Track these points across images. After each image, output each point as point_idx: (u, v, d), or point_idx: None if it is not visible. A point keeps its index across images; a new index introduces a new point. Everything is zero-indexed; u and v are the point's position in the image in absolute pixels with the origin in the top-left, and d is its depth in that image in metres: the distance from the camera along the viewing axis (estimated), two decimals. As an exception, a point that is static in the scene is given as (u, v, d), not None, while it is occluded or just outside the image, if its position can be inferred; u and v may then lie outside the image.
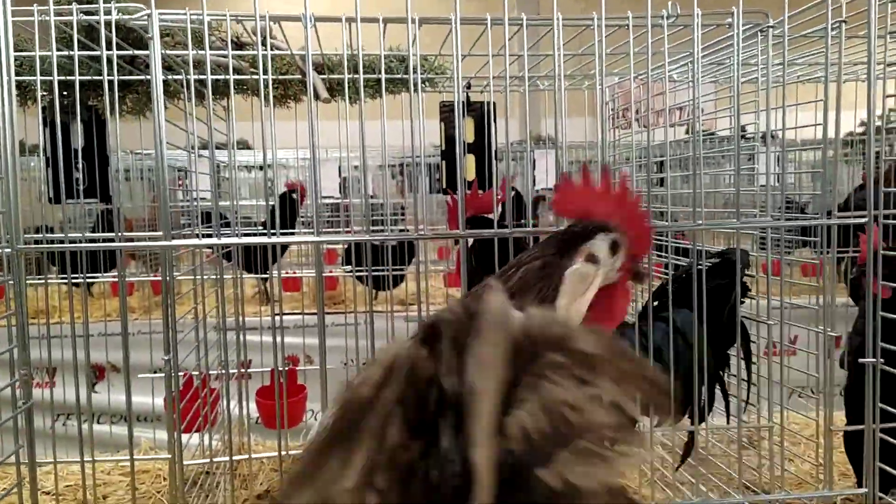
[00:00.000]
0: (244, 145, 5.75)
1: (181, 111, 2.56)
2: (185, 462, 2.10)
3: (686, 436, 2.59)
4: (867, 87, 2.12)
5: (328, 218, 5.97)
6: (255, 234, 4.56)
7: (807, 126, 2.36)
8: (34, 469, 2.01)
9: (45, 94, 2.31)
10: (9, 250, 1.97)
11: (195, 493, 2.60)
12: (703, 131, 2.70)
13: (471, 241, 2.68)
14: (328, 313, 3.05)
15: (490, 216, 2.75)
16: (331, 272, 5.83)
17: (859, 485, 2.13)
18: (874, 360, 1.99)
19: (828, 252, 2.23)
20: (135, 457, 2.11)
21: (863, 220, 2.10)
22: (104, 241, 5.25)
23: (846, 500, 2.74)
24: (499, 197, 2.70)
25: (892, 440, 2.03)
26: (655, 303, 2.36)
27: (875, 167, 2.19)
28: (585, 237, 1.24)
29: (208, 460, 2.77)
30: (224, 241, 2.11)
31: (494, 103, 2.79)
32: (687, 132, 3.89)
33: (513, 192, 5.00)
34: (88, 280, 4.59)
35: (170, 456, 2.07)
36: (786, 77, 2.18)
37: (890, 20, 2.11)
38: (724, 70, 2.99)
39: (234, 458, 2.55)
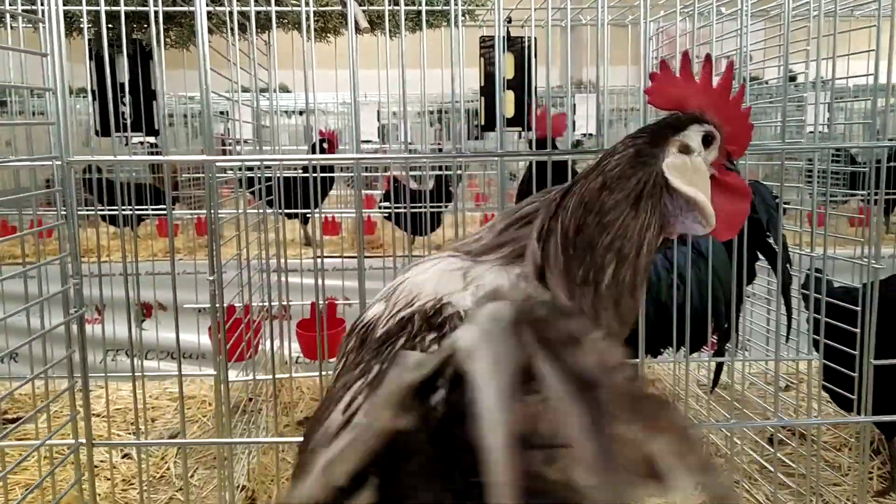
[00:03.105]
0: (284, 89, 5.77)
1: (223, 57, 2.57)
2: (230, 380, 2.17)
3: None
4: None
5: (367, 165, 5.99)
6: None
7: (857, 76, 2.30)
8: (86, 379, 2.09)
9: (90, 26, 2.35)
10: (59, 163, 2.02)
11: (238, 418, 2.68)
12: (751, 78, 2.63)
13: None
14: (367, 257, 3.09)
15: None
16: (368, 217, 5.87)
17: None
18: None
19: (875, 194, 2.18)
20: (183, 374, 2.18)
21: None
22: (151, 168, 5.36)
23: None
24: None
25: None
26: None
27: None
28: (678, 128, 1.19)
29: (251, 378, 2.86)
30: (264, 157, 2.13)
31: (536, 39, 2.75)
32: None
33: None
34: (138, 214, 4.71)
35: (215, 373, 2.14)
36: (838, 18, 2.12)
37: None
38: (773, 8, 2.91)
39: (277, 376, 2.63)
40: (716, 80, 1.23)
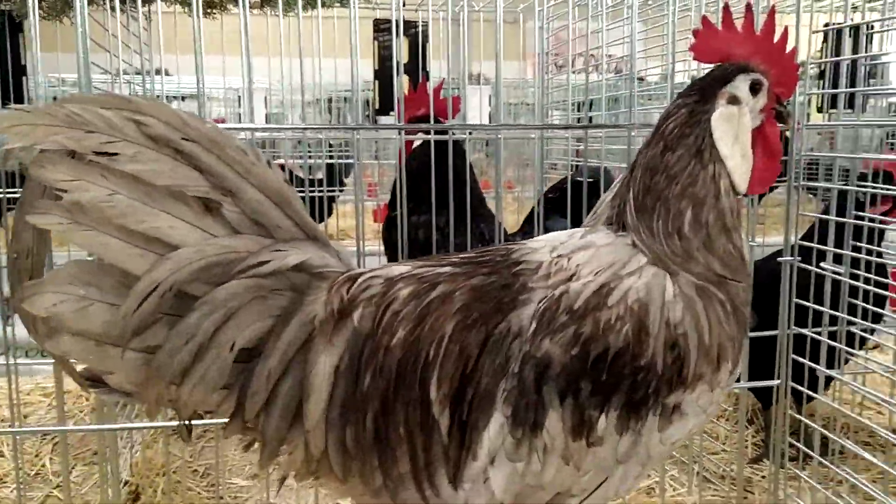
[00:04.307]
0: (165, 73, 5.53)
1: (100, 34, 2.42)
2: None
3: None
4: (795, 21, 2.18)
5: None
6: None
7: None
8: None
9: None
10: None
11: (119, 411, 2.55)
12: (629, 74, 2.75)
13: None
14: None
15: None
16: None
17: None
18: (791, 258, 2.10)
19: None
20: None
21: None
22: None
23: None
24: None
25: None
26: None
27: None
28: (725, 80, 1.23)
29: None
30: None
31: (426, 24, 2.76)
32: (617, 72, 3.96)
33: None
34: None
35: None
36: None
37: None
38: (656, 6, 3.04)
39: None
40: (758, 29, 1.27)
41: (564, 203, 2.32)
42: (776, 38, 1.27)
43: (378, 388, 1.15)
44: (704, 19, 1.29)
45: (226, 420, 1.18)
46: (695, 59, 1.32)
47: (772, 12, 1.28)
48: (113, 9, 2.42)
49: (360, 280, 1.20)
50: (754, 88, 1.24)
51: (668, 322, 1.12)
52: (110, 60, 2.45)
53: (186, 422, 1.21)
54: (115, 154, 1.07)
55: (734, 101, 1.23)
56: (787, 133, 2.13)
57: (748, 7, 1.27)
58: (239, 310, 1.12)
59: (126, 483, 2.40)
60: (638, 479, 1.22)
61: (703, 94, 1.23)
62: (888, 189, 2.23)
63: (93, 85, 2.00)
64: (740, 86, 1.23)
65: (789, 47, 1.27)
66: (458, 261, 1.26)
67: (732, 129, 1.21)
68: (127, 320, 1.06)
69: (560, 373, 1.11)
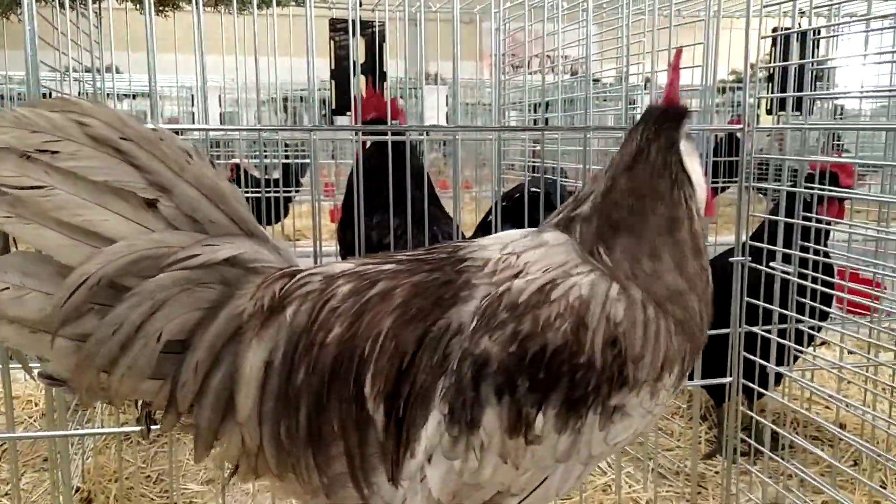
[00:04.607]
0: (115, 71, 5.42)
1: (49, 31, 2.35)
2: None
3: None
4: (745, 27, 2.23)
5: (210, 151, 5.76)
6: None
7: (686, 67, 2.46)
8: None
9: None
10: None
11: (70, 416, 2.49)
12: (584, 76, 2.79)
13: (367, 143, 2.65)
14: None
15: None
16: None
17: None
18: (742, 258, 2.14)
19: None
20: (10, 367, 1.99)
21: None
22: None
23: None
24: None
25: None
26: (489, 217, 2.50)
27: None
28: (683, 118, 1.29)
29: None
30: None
31: (383, 24, 2.75)
32: (573, 74, 4.00)
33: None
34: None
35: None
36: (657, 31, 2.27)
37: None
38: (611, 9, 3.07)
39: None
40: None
41: (516, 212, 2.33)
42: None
43: (312, 383, 1.16)
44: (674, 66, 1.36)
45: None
46: (665, 102, 1.36)
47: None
48: (62, 6, 2.37)
49: (297, 277, 1.22)
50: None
51: (608, 319, 1.13)
52: (59, 58, 2.40)
53: (145, 424, 1.24)
54: (56, 152, 1.11)
55: (688, 136, 1.29)
56: (739, 134, 2.20)
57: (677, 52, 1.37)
58: (166, 301, 1.14)
59: (78, 490, 2.35)
60: (580, 478, 1.22)
61: (667, 129, 1.27)
62: (833, 190, 2.29)
63: (41, 83, 1.95)
64: (688, 124, 1.31)
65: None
66: (404, 258, 1.26)
67: (692, 162, 1.27)
68: (56, 310, 1.10)
69: (497, 370, 1.11)
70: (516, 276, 1.18)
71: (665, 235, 1.21)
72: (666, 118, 1.29)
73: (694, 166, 1.27)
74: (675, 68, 1.35)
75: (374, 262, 1.27)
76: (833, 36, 2.56)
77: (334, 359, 1.16)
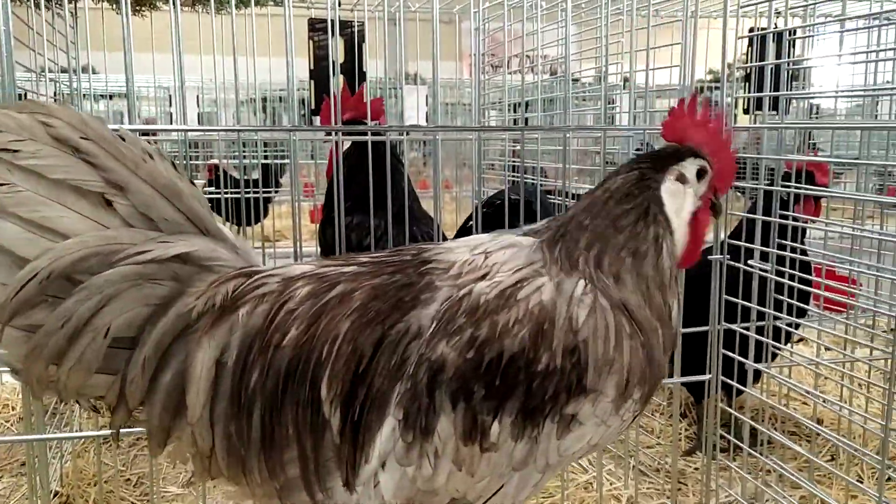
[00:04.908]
0: (92, 71, 5.37)
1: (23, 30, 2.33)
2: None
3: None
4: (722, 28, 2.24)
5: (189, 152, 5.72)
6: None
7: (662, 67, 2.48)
8: None
9: None
10: None
11: (48, 420, 2.47)
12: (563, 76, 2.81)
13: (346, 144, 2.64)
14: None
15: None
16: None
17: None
18: (720, 256, 2.16)
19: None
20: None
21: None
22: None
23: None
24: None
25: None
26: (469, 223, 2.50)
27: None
28: (678, 158, 1.29)
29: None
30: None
31: (362, 24, 2.74)
32: (553, 74, 4.02)
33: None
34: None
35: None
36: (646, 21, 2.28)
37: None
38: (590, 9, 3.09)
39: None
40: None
41: (497, 218, 2.33)
42: (724, 132, 1.35)
43: (266, 386, 1.16)
44: (680, 102, 1.35)
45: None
46: (662, 136, 1.38)
47: (721, 113, 1.36)
48: (38, 6, 2.34)
49: (254, 277, 1.22)
50: (700, 174, 1.31)
51: (570, 327, 1.12)
52: (34, 58, 2.37)
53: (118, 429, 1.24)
54: (18, 151, 1.13)
55: (682, 179, 1.29)
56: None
57: (706, 100, 1.34)
58: (115, 296, 1.15)
59: (56, 494, 2.33)
60: (537, 486, 1.21)
61: (655, 164, 1.29)
62: (809, 188, 2.32)
63: (16, 84, 1.93)
64: (689, 167, 1.30)
65: (732, 144, 1.37)
66: (366, 260, 1.26)
67: (676, 204, 1.28)
68: (5, 303, 1.12)
69: (453, 377, 1.10)
70: (482, 277, 1.17)
71: (628, 263, 1.21)
72: (656, 156, 1.32)
73: (676, 208, 1.27)
74: (697, 119, 1.34)
75: (335, 263, 1.27)
76: (808, 36, 2.59)
77: (290, 361, 1.16)
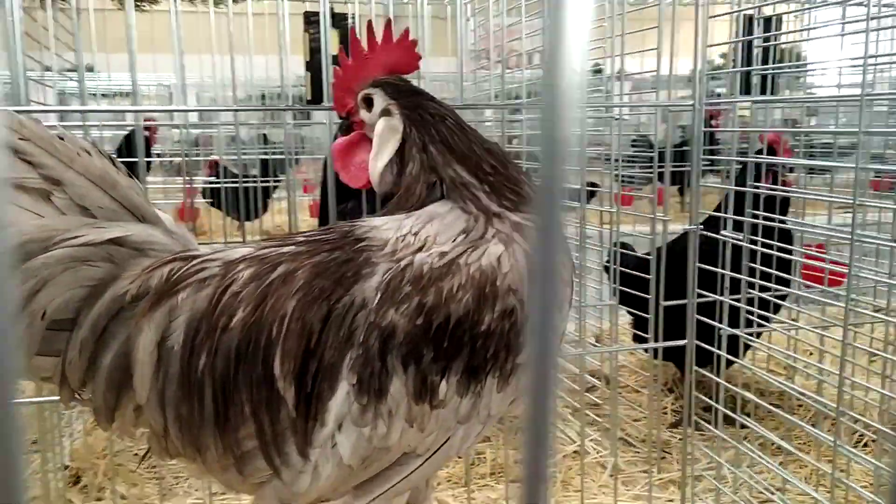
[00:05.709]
0: (88, 69, 5.47)
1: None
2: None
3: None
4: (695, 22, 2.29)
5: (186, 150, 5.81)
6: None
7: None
8: None
9: None
10: None
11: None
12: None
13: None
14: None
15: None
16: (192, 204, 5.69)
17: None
18: (694, 227, 2.24)
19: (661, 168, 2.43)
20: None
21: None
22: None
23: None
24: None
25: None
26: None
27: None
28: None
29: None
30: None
31: (360, 16, 2.84)
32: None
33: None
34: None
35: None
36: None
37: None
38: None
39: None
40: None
41: None
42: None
43: (217, 367, 1.21)
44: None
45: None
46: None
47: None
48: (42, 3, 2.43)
49: (193, 261, 1.26)
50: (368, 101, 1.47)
51: (507, 290, 1.20)
52: (41, 57, 2.46)
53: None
54: None
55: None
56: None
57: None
58: (50, 279, 1.18)
59: (66, 468, 2.42)
60: (479, 435, 1.30)
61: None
62: (777, 160, 2.41)
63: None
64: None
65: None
66: (302, 240, 1.31)
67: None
68: None
69: (403, 341, 1.18)
70: (419, 250, 1.24)
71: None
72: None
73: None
74: None
75: (273, 244, 1.32)
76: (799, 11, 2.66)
77: (240, 342, 1.21)
